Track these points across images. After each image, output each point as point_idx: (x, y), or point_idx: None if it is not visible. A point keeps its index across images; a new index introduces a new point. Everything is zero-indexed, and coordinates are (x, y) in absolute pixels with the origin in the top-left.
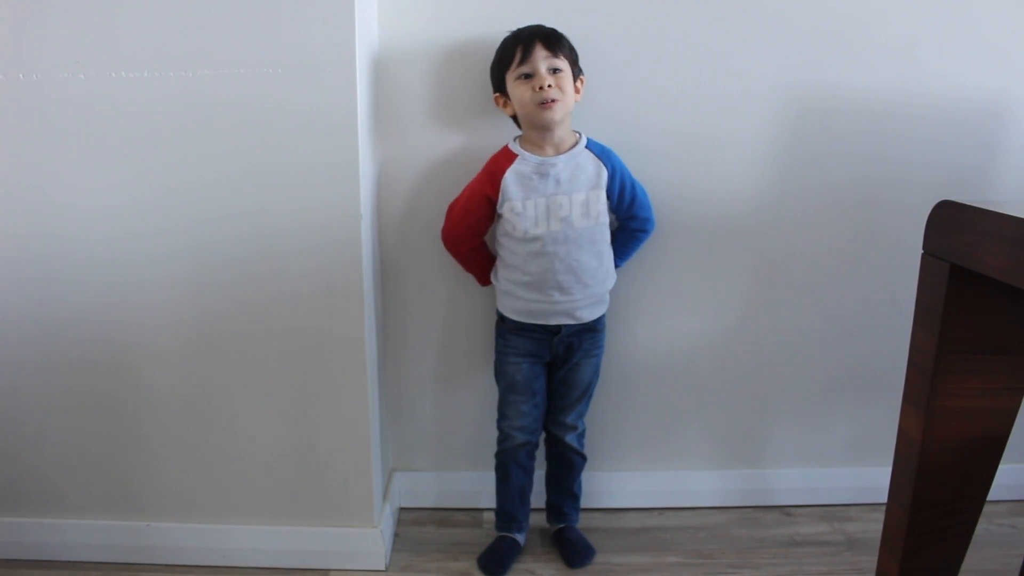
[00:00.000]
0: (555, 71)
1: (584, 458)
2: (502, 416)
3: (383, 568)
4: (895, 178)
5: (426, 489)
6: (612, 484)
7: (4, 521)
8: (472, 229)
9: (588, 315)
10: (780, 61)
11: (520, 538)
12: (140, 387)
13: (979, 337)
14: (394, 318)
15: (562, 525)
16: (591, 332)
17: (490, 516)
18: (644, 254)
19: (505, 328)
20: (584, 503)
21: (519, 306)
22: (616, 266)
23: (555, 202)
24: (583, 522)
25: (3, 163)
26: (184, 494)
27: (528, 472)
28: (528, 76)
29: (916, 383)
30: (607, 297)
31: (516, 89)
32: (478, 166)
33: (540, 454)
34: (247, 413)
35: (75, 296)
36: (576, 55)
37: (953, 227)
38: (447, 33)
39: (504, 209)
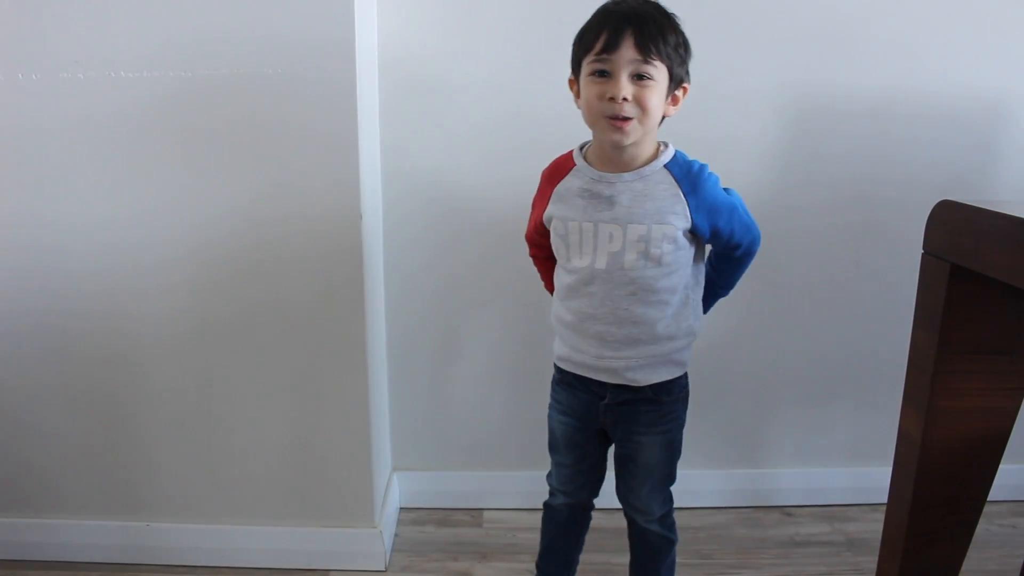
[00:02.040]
0: (640, 78)
1: (671, 541)
2: (551, 471)
3: (383, 568)
4: (895, 177)
5: (426, 489)
6: (612, 484)
7: (4, 521)
8: (540, 237)
9: (644, 378)
10: (780, 61)
11: None
12: (140, 387)
13: (979, 337)
14: (394, 318)
15: None
16: (652, 403)
17: (490, 515)
18: None
19: (554, 376)
20: None
21: (563, 351)
22: (713, 299)
23: (604, 231)
24: None
25: (2, 162)
26: (184, 494)
27: (571, 539)
28: (604, 74)
29: (916, 383)
30: (682, 358)
31: (587, 86)
32: (481, 164)
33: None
34: (247, 413)
35: (74, 296)
36: (682, 54)
37: (953, 227)
38: (449, 31)
39: (550, 225)
